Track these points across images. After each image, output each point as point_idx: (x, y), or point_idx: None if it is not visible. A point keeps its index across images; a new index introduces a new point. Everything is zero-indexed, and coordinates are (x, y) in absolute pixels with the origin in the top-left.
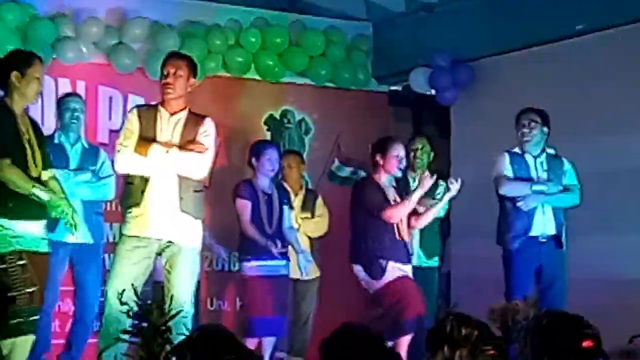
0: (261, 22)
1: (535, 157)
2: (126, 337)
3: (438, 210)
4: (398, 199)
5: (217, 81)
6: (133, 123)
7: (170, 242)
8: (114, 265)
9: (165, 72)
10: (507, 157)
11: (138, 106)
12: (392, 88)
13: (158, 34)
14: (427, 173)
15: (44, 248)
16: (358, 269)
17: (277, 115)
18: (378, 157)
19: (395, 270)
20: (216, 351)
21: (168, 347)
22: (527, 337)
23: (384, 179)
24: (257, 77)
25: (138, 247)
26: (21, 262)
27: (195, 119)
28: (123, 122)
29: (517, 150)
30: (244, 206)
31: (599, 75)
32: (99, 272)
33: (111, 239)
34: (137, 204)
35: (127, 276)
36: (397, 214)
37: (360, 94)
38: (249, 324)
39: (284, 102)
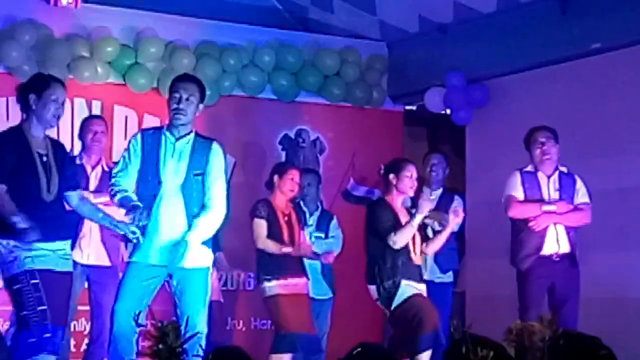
0: (276, 42)
1: (548, 176)
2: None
3: (447, 235)
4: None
5: (232, 100)
6: (136, 150)
7: (177, 267)
8: (122, 285)
9: (176, 96)
10: (518, 177)
11: (143, 130)
12: (407, 107)
13: (173, 54)
14: (425, 196)
15: (64, 267)
16: (373, 289)
17: (291, 135)
18: (391, 177)
19: (409, 287)
20: None
21: None
22: (543, 358)
23: (398, 199)
24: (272, 97)
25: (146, 269)
26: (33, 281)
27: (202, 143)
28: (127, 145)
29: (529, 168)
30: (261, 225)
31: (614, 93)
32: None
33: (126, 259)
34: (141, 232)
35: (134, 296)
36: (401, 240)
37: (375, 113)
38: (279, 341)
39: (298, 121)
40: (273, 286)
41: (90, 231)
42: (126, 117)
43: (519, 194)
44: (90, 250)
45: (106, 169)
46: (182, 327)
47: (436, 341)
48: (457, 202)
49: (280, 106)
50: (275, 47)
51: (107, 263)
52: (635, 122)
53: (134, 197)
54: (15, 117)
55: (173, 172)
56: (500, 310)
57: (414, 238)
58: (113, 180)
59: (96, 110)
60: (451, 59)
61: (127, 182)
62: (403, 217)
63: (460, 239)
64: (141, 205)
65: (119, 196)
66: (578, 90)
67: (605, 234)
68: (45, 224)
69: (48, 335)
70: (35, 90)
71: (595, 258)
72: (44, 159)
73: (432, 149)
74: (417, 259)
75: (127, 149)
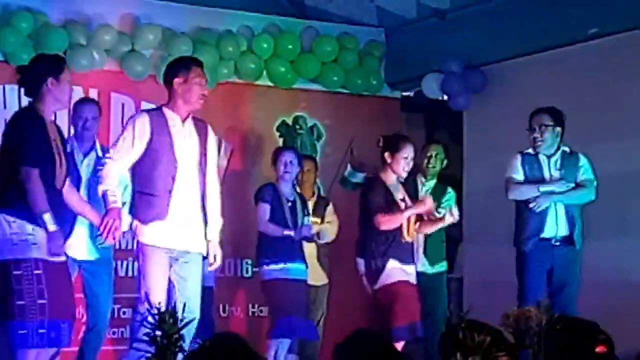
0: (273, 29)
1: (549, 157)
2: (140, 345)
3: (438, 227)
4: (407, 198)
5: (229, 87)
6: (143, 131)
7: (185, 250)
8: (151, 280)
9: (201, 82)
10: (519, 159)
11: (147, 111)
12: (405, 94)
13: (170, 41)
14: (429, 198)
15: (62, 257)
16: (361, 262)
17: (289, 122)
18: (387, 156)
19: (396, 271)
20: (230, 359)
21: (181, 356)
22: (540, 343)
23: (392, 178)
24: (269, 84)
25: (165, 259)
26: (37, 272)
27: (198, 123)
28: (126, 127)
29: (530, 151)
30: (263, 208)
31: (612, 78)
32: (110, 281)
33: (123, 246)
34: (163, 217)
35: (162, 291)
36: (387, 224)
37: (373, 100)
38: (278, 325)
39: (296, 108)
40: (271, 270)
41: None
42: (123, 105)
43: (519, 175)
44: (79, 243)
45: (101, 155)
46: (180, 313)
47: (412, 333)
48: (449, 196)
49: (278, 93)
50: (273, 34)
51: (96, 256)
52: (634, 107)
53: (117, 194)
54: (12, 104)
55: (186, 152)
56: (499, 296)
57: (408, 217)
58: (105, 161)
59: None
60: (449, 45)
61: (120, 167)
62: (397, 194)
63: (458, 225)
64: (120, 207)
65: (102, 188)
66: (576, 76)
67: (606, 218)
68: (54, 211)
69: (43, 331)
70: (52, 72)
71: (595, 243)
72: (55, 142)
73: (429, 135)
74: (408, 236)
75: (132, 130)
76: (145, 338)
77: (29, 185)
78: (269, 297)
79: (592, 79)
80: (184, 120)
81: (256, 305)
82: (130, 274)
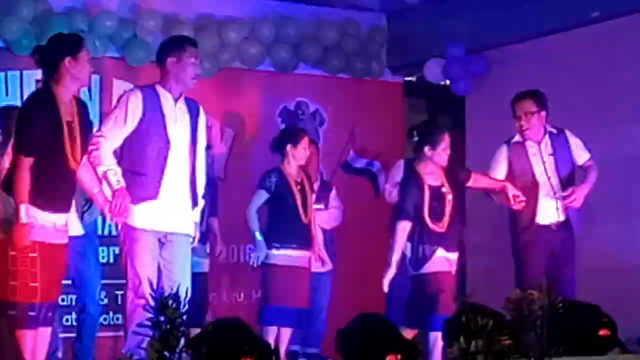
0: (275, 14)
1: (538, 143)
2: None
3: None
4: (446, 185)
5: (231, 73)
6: (136, 109)
7: (174, 232)
8: (141, 265)
9: (192, 61)
10: (503, 152)
11: (140, 88)
12: (407, 78)
13: (172, 27)
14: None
15: (61, 239)
16: (407, 246)
17: (291, 107)
18: (427, 150)
19: (441, 260)
20: (232, 343)
21: (183, 340)
22: (543, 326)
23: (430, 167)
24: (271, 69)
25: (154, 242)
26: (32, 254)
27: (190, 104)
28: (119, 103)
29: (517, 138)
30: (259, 196)
31: (615, 63)
32: (97, 261)
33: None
34: (153, 197)
35: (154, 276)
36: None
37: (375, 85)
38: (267, 311)
39: (298, 93)
40: (274, 255)
41: None
42: (125, 91)
43: (499, 175)
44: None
45: None
46: (182, 299)
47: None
48: None
49: (280, 78)
50: (275, 19)
51: (81, 232)
52: (636, 91)
53: (118, 173)
54: (14, 92)
55: (178, 132)
56: (501, 281)
57: (443, 209)
58: (98, 140)
59: (95, 85)
60: (451, 30)
61: (113, 145)
62: (435, 182)
63: (461, 210)
64: (124, 185)
65: (102, 169)
66: (577, 60)
67: (606, 203)
68: (64, 194)
69: (33, 313)
70: (71, 51)
71: (596, 227)
72: (72, 125)
73: (431, 119)
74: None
75: (125, 107)
76: (148, 323)
77: (17, 173)
78: (264, 280)
79: (595, 63)
80: (176, 100)
81: (259, 292)
82: None
